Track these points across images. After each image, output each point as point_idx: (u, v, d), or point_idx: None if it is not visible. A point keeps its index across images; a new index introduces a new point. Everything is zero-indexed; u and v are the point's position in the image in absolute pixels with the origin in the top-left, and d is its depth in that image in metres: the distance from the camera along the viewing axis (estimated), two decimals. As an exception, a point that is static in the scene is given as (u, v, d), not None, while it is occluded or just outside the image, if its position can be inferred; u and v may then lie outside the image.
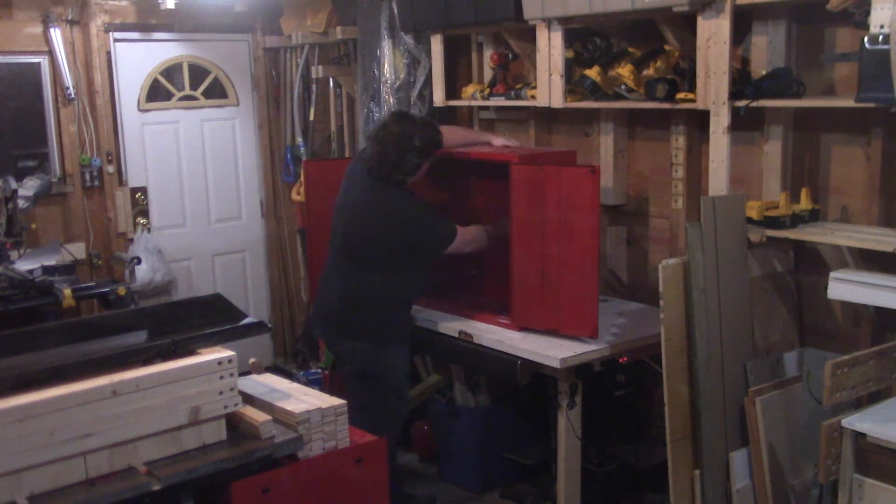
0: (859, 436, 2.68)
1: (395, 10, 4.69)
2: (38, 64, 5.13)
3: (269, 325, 2.85)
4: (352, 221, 3.76)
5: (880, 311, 3.23)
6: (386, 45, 4.79)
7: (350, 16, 5.14)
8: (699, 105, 3.47)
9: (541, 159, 3.79)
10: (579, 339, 3.57)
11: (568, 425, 3.53)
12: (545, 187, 3.57)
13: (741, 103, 3.33)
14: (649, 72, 3.76)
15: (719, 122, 3.41)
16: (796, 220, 3.32)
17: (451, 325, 3.88)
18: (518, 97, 4.33)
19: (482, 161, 4.12)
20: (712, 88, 3.40)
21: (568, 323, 3.59)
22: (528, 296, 3.70)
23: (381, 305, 3.74)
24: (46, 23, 5.07)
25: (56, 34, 5.09)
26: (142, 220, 5.57)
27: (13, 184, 4.41)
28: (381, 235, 3.68)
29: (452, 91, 4.76)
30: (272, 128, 6.02)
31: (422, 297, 4.20)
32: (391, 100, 4.80)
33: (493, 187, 4.20)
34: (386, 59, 4.80)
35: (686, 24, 3.58)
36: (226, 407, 2.46)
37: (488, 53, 4.66)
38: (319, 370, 5.39)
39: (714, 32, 3.35)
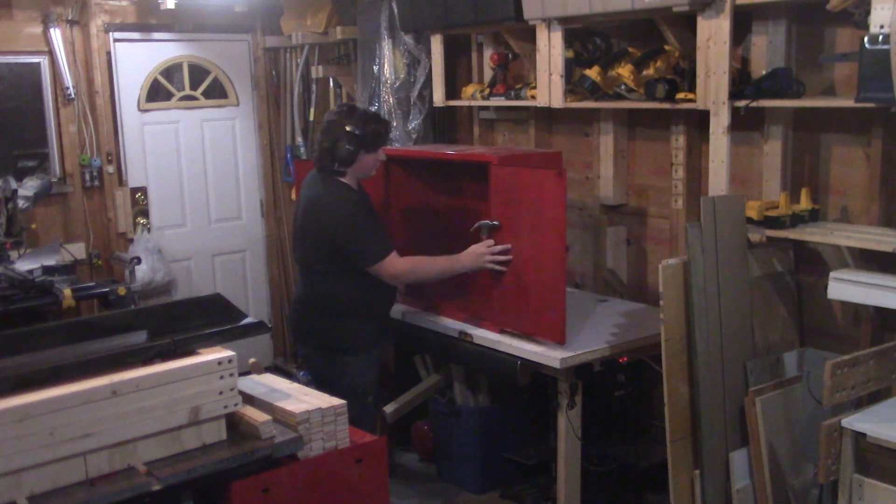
0: (859, 436, 2.68)
1: (395, 10, 4.69)
2: (38, 64, 5.12)
3: (269, 325, 2.85)
4: (299, 222, 3.65)
5: (880, 311, 3.23)
6: (386, 45, 4.79)
7: (350, 16, 5.14)
8: (699, 105, 3.47)
9: (520, 161, 3.75)
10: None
11: (568, 425, 3.53)
12: (519, 189, 3.53)
13: (741, 103, 3.33)
14: (649, 72, 3.76)
15: (719, 122, 3.41)
16: (796, 220, 3.32)
17: (451, 325, 3.88)
18: (518, 97, 4.33)
19: (466, 162, 4.12)
20: (712, 88, 3.40)
21: (538, 327, 3.53)
22: (505, 298, 3.64)
23: (331, 312, 3.56)
24: (46, 23, 5.07)
25: (56, 34, 5.08)
26: (142, 220, 5.57)
27: (13, 184, 4.42)
28: (317, 232, 3.52)
29: (452, 91, 4.76)
30: (272, 128, 6.02)
31: (426, 298, 4.20)
32: (391, 100, 4.80)
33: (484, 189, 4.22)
34: (386, 59, 4.80)
35: (686, 24, 3.58)
36: (226, 407, 2.46)
37: (488, 53, 4.66)
38: (319, 370, 5.39)
39: (714, 32, 3.36)
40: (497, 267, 3.60)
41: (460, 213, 4.31)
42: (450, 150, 4.38)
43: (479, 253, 3.60)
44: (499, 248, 3.59)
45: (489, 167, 3.67)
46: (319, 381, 3.60)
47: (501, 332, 3.70)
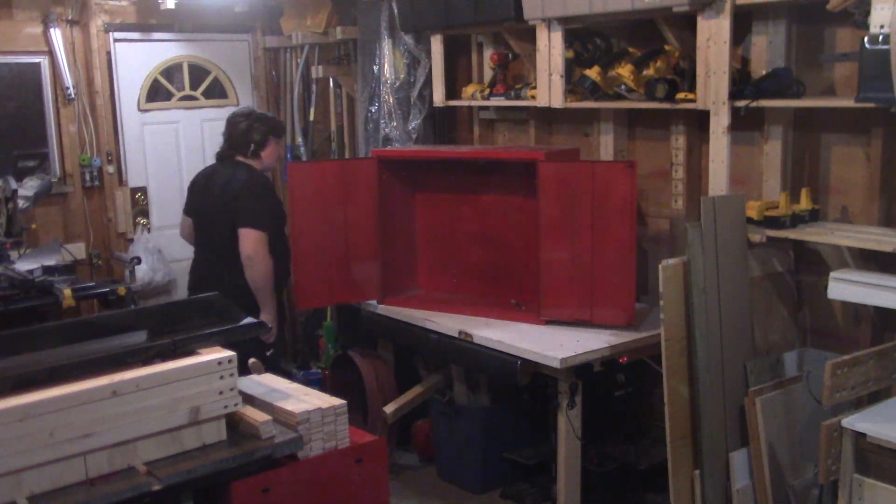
0: (859, 436, 2.68)
1: (395, 10, 4.69)
2: (38, 64, 5.13)
3: (269, 325, 2.85)
4: (203, 201, 4.19)
5: (880, 311, 3.23)
6: (386, 45, 4.79)
7: (350, 16, 5.14)
8: (699, 105, 3.47)
9: (559, 156, 3.90)
10: (606, 329, 3.66)
11: (568, 425, 3.53)
12: (577, 183, 3.65)
13: (741, 103, 3.33)
14: (649, 72, 3.75)
15: (719, 122, 3.41)
16: (796, 220, 3.32)
17: (452, 325, 3.88)
18: (518, 97, 4.33)
19: (502, 161, 4.17)
20: (712, 88, 3.40)
21: (602, 312, 3.69)
22: (557, 290, 3.77)
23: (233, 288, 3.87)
24: (46, 23, 5.07)
25: (56, 34, 5.08)
26: (142, 220, 5.57)
27: (13, 184, 4.41)
28: (221, 201, 4.04)
29: (452, 91, 4.76)
30: (272, 128, 6.01)
31: (432, 302, 4.21)
32: (391, 100, 4.80)
33: (503, 184, 4.26)
34: (386, 59, 4.80)
35: (686, 24, 3.58)
36: (226, 407, 2.46)
37: (488, 53, 4.66)
38: (319, 370, 5.40)
39: (714, 32, 3.35)
40: None
41: (485, 210, 4.34)
42: (473, 150, 4.52)
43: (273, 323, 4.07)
44: None
45: (537, 164, 3.74)
46: None
47: (547, 323, 3.80)
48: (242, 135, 4.13)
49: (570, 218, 3.70)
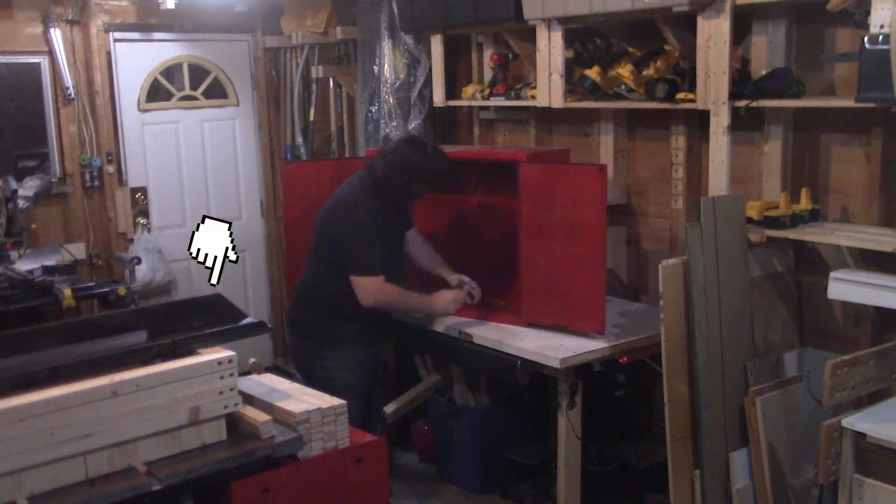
0: (859, 436, 2.68)
1: (395, 10, 4.69)
2: (38, 64, 5.13)
3: (269, 325, 2.85)
4: (320, 215, 3.75)
5: (880, 311, 3.23)
6: (386, 45, 4.79)
7: (350, 16, 5.14)
8: (699, 105, 3.47)
9: (546, 158, 3.87)
10: (584, 336, 3.59)
11: (568, 425, 3.53)
12: (553, 185, 3.62)
13: (741, 103, 3.33)
14: (649, 72, 3.76)
15: (719, 122, 3.41)
16: (796, 220, 3.32)
17: (452, 325, 3.88)
18: (518, 97, 4.33)
19: (489, 161, 4.14)
20: (712, 88, 3.40)
21: (575, 318, 3.63)
22: (536, 292, 3.75)
23: (319, 304, 3.71)
24: (46, 23, 5.07)
25: (56, 34, 5.08)
26: (142, 220, 5.57)
27: (13, 184, 4.41)
28: (328, 229, 3.67)
29: (452, 91, 4.76)
30: (272, 128, 6.02)
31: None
32: (391, 100, 4.80)
33: (496, 186, 4.23)
34: (386, 59, 4.80)
35: (686, 24, 3.58)
36: (226, 407, 2.46)
37: (488, 53, 4.66)
38: (319, 370, 5.38)
39: (714, 32, 3.36)
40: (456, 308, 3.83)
41: (477, 209, 4.33)
42: (467, 150, 4.48)
43: (448, 300, 3.77)
44: (463, 296, 3.84)
45: (518, 165, 3.72)
46: (301, 372, 3.81)
47: (529, 325, 3.77)
48: (396, 191, 3.68)
49: (548, 221, 3.66)
